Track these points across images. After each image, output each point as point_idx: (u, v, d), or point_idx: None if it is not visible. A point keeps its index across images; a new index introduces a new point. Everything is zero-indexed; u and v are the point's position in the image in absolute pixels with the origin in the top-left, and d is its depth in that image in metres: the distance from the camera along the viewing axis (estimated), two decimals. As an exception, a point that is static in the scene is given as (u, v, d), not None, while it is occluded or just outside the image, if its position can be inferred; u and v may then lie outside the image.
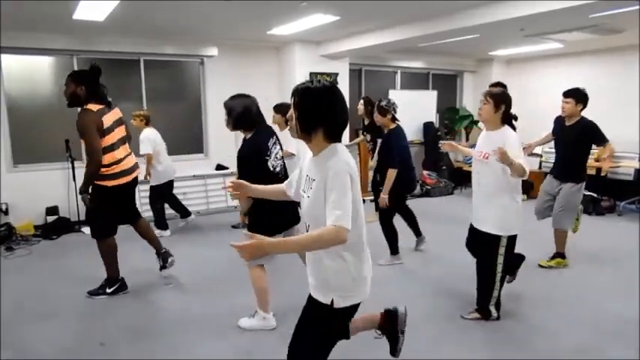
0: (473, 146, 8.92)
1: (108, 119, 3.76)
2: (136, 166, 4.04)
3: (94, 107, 3.70)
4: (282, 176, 3.15)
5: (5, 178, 6.05)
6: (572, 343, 3.19)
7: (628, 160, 7.24)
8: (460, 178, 8.92)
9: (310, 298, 2.06)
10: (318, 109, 1.85)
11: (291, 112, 1.91)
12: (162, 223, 5.92)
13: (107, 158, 3.75)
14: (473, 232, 3.55)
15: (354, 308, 2.02)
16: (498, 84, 5.79)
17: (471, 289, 3.60)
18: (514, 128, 3.30)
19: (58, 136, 6.23)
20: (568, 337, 3.27)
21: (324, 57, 7.44)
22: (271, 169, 3.08)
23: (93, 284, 4.25)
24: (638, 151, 7.22)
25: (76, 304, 3.89)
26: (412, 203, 5.32)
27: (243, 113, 3.11)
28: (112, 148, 3.79)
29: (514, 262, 3.65)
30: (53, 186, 6.31)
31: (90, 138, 3.65)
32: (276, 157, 3.14)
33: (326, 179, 1.79)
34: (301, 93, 1.87)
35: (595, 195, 6.82)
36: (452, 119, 9.60)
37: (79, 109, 3.85)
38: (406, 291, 3.91)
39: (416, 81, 9.40)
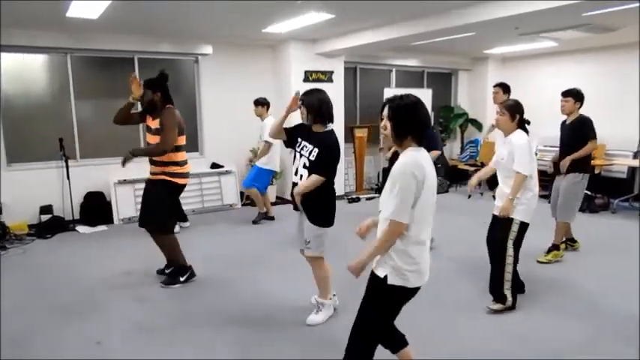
0: (469, 143, 8.91)
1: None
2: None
3: (174, 108, 4.02)
4: None
5: (-2, 177, 6.01)
6: (570, 341, 3.20)
7: (622, 157, 7.28)
8: (455, 177, 8.95)
9: (371, 274, 2.28)
10: (408, 121, 2.18)
11: (384, 123, 2.22)
12: (180, 215, 6.11)
13: (181, 155, 4.05)
14: (493, 220, 3.78)
15: (409, 292, 2.22)
16: (501, 85, 5.84)
17: (466, 282, 3.61)
18: (527, 131, 3.63)
19: (52, 135, 6.21)
20: (566, 335, 3.29)
21: (320, 55, 7.43)
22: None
23: (87, 283, 4.26)
24: (635, 148, 7.26)
25: (71, 302, 3.87)
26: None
27: (327, 108, 3.29)
28: (184, 148, 4.10)
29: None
30: (47, 185, 6.28)
31: (170, 131, 3.92)
32: None
33: (394, 175, 2.13)
34: (395, 108, 2.19)
35: (589, 192, 6.85)
36: (447, 117, 9.63)
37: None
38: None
39: (411, 79, 9.41)
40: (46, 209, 6.23)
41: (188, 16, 5.36)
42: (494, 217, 3.73)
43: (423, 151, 2.22)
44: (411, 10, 5.23)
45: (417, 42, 6.70)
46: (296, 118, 3.40)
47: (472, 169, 8.61)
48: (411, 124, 2.19)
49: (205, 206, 7.10)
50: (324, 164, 3.22)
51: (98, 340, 3.24)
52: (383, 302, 2.27)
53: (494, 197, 3.75)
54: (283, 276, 4.01)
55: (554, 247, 4.72)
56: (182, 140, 4.08)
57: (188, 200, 6.81)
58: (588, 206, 6.83)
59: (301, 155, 3.29)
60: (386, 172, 5.62)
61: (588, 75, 7.77)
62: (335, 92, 7.60)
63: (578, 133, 4.67)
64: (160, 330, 3.40)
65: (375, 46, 6.75)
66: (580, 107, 4.69)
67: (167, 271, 4.37)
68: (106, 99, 6.72)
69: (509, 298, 3.60)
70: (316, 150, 3.21)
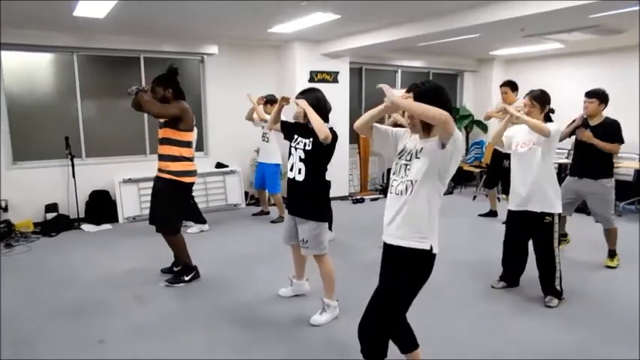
0: (474, 144, 8.86)
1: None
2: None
3: (184, 103, 4.03)
4: None
5: (5, 175, 6.04)
6: (570, 342, 3.19)
7: (628, 160, 7.24)
8: (460, 178, 8.91)
9: (398, 253, 2.31)
10: (433, 104, 2.14)
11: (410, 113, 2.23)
12: (199, 217, 6.04)
13: (187, 152, 4.06)
14: (518, 218, 3.83)
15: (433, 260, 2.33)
16: (509, 83, 5.91)
17: (469, 283, 3.59)
18: (552, 120, 3.83)
19: (58, 133, 6.24)
20: (566, 336, 3.27)
21: (325, 55, 7.43)
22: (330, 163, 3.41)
23: (91, 281, 4.28)
24: (638, 151, 7.22)
25: (75, 301, 3.88)
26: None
27: (324, 107, 3.35)
28: (190, 145, 4.10)
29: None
30: (53, 183, 6.31)
31: (162, 107, 3.96)
32: None
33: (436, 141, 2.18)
34: (418, 95, 2.22)
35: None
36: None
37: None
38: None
39: (416, 80, 9.22)
40: (51, 207, 6.26)
41: (194, 16, 5.37)
42: (519, 215, 3.78)
43: None
44: (416, 11, 5.22)
45: (422, 43, 6.68)
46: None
47: (477, 170, 8.58)
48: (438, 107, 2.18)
49: (210, 206, 7.11)
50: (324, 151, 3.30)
51: (101, 338, 3.25)
52: (425, 273, 2.32)
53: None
54: (286, 275, 4.01)
55: (615, 253, 4.71)
56: (189, 136, 4.08)
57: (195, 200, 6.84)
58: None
59: (296, 149, 3.37)
60: None
61: (594, 77, 7.70)
62: (340, 93, 7.61)
63: (609, 135, 4.46)
64: (163, 329, 3.40)
65: (380, 47, 6.74)
66: (604, 109, 4.53)
67: (175, 269, 4.38)
68: (112, 98, 6.75)
69: (561, 291, 3.75)
70: (311, 139, 3.27)
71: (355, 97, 8.48)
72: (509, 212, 3.92)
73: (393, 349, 2.49)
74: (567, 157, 7.64)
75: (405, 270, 2.31)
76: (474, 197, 8.04)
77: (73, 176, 6.20)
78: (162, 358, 3.02)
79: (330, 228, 5.49)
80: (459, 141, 2.17)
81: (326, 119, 3.33)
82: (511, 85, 6.05)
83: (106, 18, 5.18)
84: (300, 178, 3.33)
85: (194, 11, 5.10)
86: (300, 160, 3.32)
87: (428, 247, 2.26)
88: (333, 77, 7.61)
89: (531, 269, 3.91)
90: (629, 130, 7.23)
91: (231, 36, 6.84)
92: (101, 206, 6.44)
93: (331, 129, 3.31)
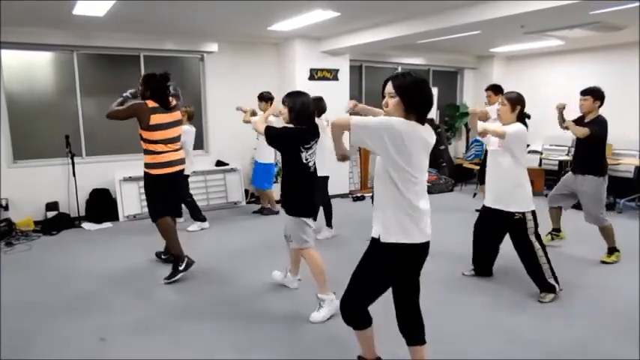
0: (475, 141, 8.94)
1: (159, 118, 4.08)
2: (178, 162, 4.31)
3: (150, 103, 4.07)
4: (312, 168, 3.53)
5: (5, 173, 6.04)
6: (571, 339, 3.19)
7: (628, 157, 7.23)
8: (460, 175, 8.91)
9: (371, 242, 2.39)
10: (413, 98, 2.19)
11: (386, 100, 2.23)
12: (198, 215, 6.02)
13: (154, 147, 4.13)
14: (491, 213, 3.93)
15: (399, 250, 2.27)
16: (492, 87, 6.07)
17: (467, 281, 3.58)
18: (526, 125, 3.76)
19: (58, 132, 6.24)
20: (567, 333, 3.27)
21: (325, 53, 7.42)
22: (304, 160, 3.44)
23: (92, 280, 4.28)
24: (638, 148, 7.22)
25: (75, 299, 3.89)
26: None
27: (302, 110, 3.42)
28: (157, 142, 4.14)
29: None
30: (53, 182, 6.32)
31: (125, 109, 4.10)
32: (312, 154, 3.52)
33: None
34: (398, 85, 2.19)
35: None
36: (452, 116, 9.60)
37: None
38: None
39: None
40: (51, 206, 6.26)
41: (194, 14, 5.37)
42: (492, 211, 3.88)
43: (426, 125, 2.25)
44: (416, 9, 5.21)
45: (422, 40, 6.67)
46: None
47: (477, 167, 8.57)
48: (416, 101, 2.20)
49: (210, 204, 7.11)
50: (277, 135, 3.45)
51: (102, 336, 3.26)
52: (379, 260, 2.34)
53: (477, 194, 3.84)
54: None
55: (615, 249, 4.73)
56: (156, 135, 4.10)
57: (194, 197, 6.83)
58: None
59: None
60: None
61: (595, 74, 7.71)
62: (340, 90, 7.61)
63: (599, 133, 4.48)
64: (164, 325, 3.41)
65: (380, 45, 6.73)
66: (600, 106, 4.56)
67: (163, 257, 4.66)
68: (112, 96, 6.64)
69: (556, 284, 3.76)
70: None
71: (356, 94, 8.47)
72: (483, 207, 4.07)
73: (398, 348, 2.49)
74: (568, 154, 7.65)
75: (364, 255, 2.43)
76: (474, 195, 8.02)
77: (74, 174, 6.20)
78: (162, 356, 3.02)
79: (330, 225, 5.51)
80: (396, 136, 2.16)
81: (304, 123, 3.42)
82: (494, 89, 6.27)
83: (106, 16, 5.18)
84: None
85: (194, 9, 5.09)
86: None
87: (375, 236, 2.31)
88: (333, 75, 7.60)
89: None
90: (630, 127, 7.27)
91: (231, 34, 6.84)
92: (102, 204, 6.44)
93: (287, 127, 3.47)
